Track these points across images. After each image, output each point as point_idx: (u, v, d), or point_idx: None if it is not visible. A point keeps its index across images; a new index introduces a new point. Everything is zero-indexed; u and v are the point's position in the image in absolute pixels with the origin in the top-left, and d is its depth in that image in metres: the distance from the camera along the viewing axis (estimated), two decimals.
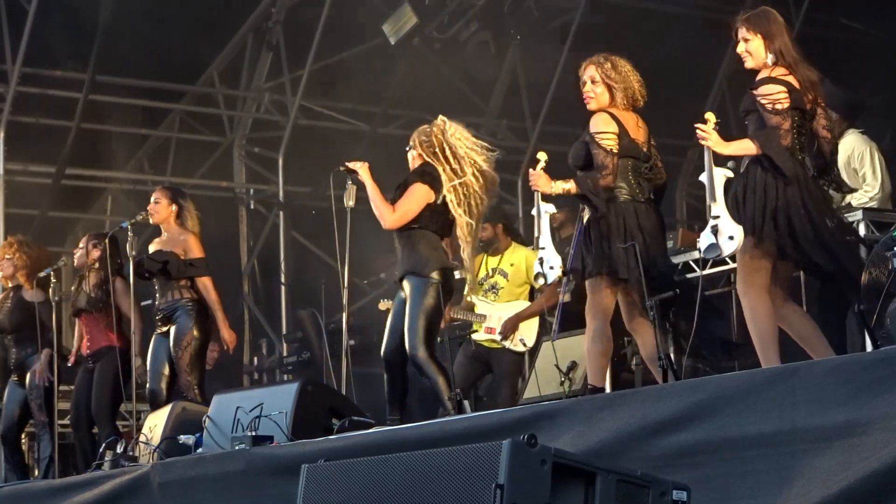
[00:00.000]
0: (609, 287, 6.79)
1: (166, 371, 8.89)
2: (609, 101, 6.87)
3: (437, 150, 7.49)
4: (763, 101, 6.17)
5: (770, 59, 6.25)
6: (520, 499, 3.90)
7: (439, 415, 7.69)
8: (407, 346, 7.33)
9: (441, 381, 7.31)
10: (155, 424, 7.99)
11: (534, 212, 7.03)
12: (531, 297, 9.41)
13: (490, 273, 9.42)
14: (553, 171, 7.02)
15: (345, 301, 7.75)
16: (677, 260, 8.27)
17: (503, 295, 9.34)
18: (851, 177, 7.99)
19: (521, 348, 9.28)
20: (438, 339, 7.65)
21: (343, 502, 4.35)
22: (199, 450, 7.36)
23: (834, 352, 6.22)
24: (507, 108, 15.01)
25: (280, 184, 14.51)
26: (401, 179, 7.69)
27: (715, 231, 6.20)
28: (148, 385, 9.00)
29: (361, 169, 7.63)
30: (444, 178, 7.44)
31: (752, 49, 6.30)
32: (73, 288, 9.88)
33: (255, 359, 14.69)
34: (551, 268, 6.89)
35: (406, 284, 7.42)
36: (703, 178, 6.37)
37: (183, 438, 7.54)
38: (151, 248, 9.08)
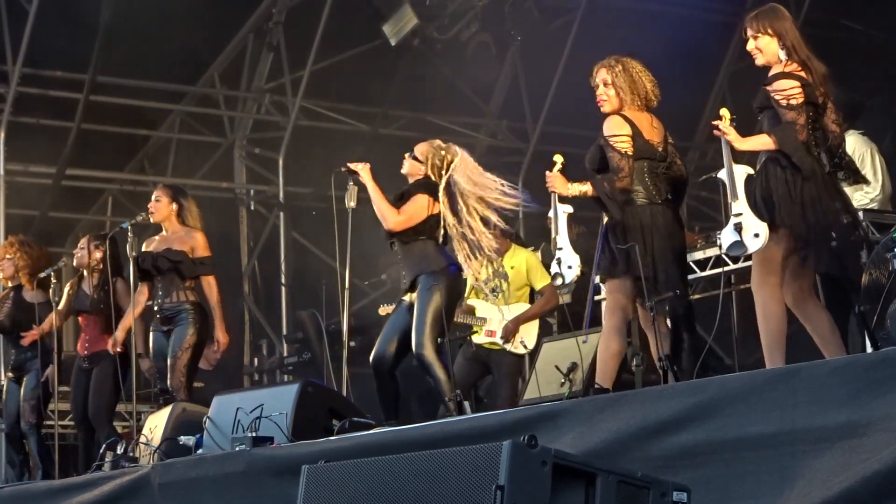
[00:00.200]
0: (627, 288, 6.77)
1: None
2: (621, 104, 6.84)
3: (443, 166, 7.50)
4: (777, 97, 6.18)
5: (783, 54, 6.26)
6: (520, 500, 3.90)
7: (440, 415, 7.69)
8: (413, 344, 7.34)
9: (445, 381, 7.32)
10: (155, 425, 7.98)
11: (550, 213, 7.00)
12: (531, 299, 9.41)
13: (490, 276, 9.41)
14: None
15: (345, 302, 7.74)
16: None
17: (503, 297, 9.34)
18: None
19: (521, 350, 9.28)
20: (438, 340, 7.64)
21: (344, 503, 4.35)
22: (200, 451, 7.36)
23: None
24: (508, 109, 15.02)
25: (280, 184, 14.51)
26: (401, 180, 7.69)
27: (738, 229, 6.16)
28: (159, 385, 9.00)
29: (363, 170, 7.62)
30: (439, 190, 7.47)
31: (762, 46, 6.31)
32: (67, 288, 9.84)
33: (256, 360, 14.70)
34: (569, 267, 6.87)
35: (416, 287, 7.40)
36: (723, 175, 6.34)
37: (183, 439, 7.54)
38: (152, 245, 9.04)
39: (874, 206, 8.10)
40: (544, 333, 9.54)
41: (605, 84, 6.86)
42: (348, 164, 7.70)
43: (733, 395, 4.83)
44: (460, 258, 7.48)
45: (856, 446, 4.36)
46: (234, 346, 13.10)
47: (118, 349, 9.22)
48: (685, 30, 13.02)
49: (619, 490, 4.13)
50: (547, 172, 6.96)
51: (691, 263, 8.46)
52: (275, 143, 14.55)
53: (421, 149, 7.64)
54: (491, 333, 9.26)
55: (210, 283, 8.95)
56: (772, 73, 6.29)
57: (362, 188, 7.66)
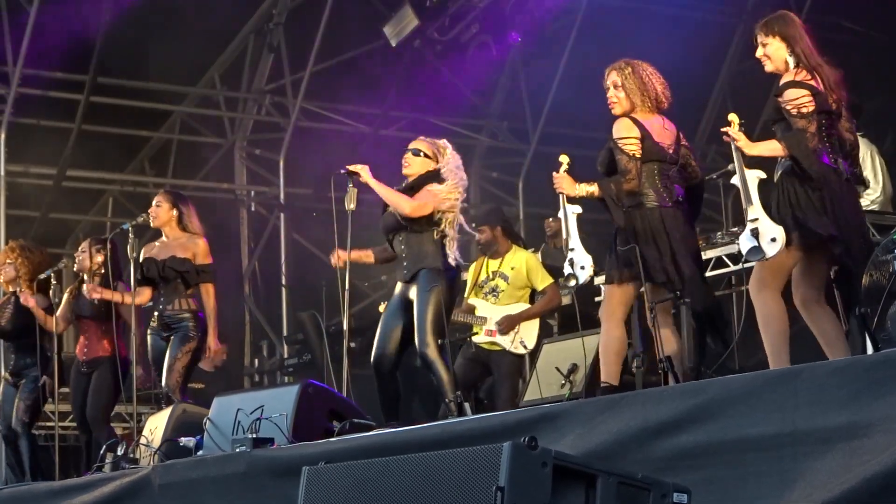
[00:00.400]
0: (627, 292, 6.78)
1: None
2: (631, 106, 6.84)
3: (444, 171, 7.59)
4: (788, 107, 6.17)
5: (792, 62, 6.25)
6: (520, 501, 3.90)
7: (440, 416, 7.70)
8: (417, 344, 7.36)
9: (447, 380, 7.34)
10: (155, 427, 7.98)
11: (560, 214, 6.99)
12: (531, 299, 9.40)
13: (490, 276, 9.42)
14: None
15: (345, 303, 7.75)
16: None
17: (504, 297, 9.34)
18: None
19: (521, 351, 9.28)
20: (439, 340, 7.66)
21: None
22: (200, 452, 7.36)
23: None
24: (508, 110, 15.03)
25: (281, 186, 14.53)
26: (402, 181, 7.71)
27: (755, 234, 6.15)
28: (164, 386, 9.01)
29: (363, 170, 7.63)
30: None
31: (771, 53, 6.30)
32: (67, 294, 9.82)
33: (256, 361, 14.71)
34: (582, 268, 6.85)
35: (415, 284, 7.43)
36: (736, 181, 6.33)
37: (183, 440, 7.53)
38: (153, 251, 9.04)
39: (875, 207, 8.11)
40: (545, 334, 9.54)
41: (616, 86, 6.85)
42: (347, 167, 7.71)
43: (734, 396, 4.83)
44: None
45: (856, 448, 4.35)
46: (234, 348, 13.15)
47: (95, 295, 9.22)
48: (685, 30, 13.02)
49: (619, 491, 4.13)
50: (554, 173, 6.93)
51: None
52: (275, 144, 14.56)
53: (423, 146, 7.69)
54: (491, 333, 9.26)
55: (208, 291, 8.96)
56: (781, 82, 6.27)
57: (362, 190, 7.67)
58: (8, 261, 10.02)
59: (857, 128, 7.97)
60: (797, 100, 6.15)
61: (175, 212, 9.04)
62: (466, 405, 7.34)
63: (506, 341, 9.24)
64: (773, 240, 6.14)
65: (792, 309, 6.35)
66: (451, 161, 7.65)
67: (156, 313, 8.97)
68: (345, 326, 7.90)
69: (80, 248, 9.77)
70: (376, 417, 7.41)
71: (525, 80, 14.76)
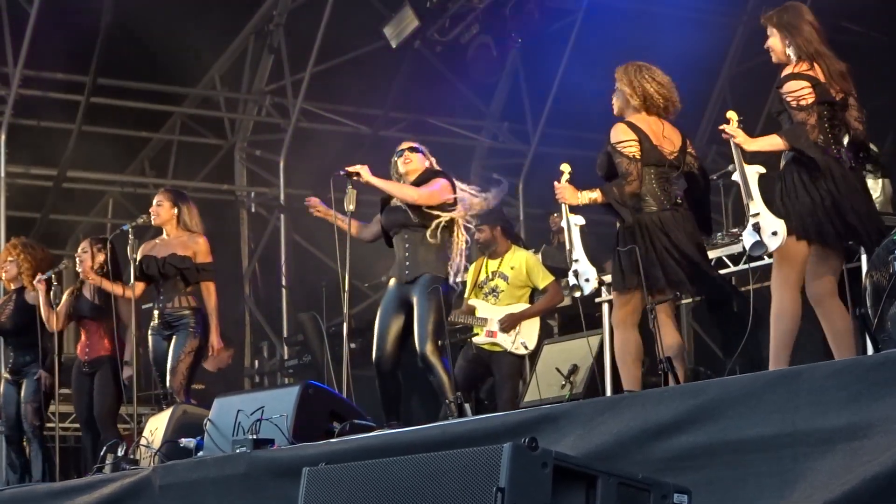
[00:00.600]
0: (636, 299, 6.78)
1: None
2: (626, 108, 6.85)
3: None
4: (788, 99, 6.20)
5: (792, 53, 6.27)
6: (521, 502, 3.90)
7: (441, 417, 7.70)
8: (417, 345, 7.39)
9: (447, 381, 7.35)
10: (156, 428, 7.98)
11: (562, 223, 6.99)
12: (531, 300, 9.40)
13: (490, 276, 9.42)
14: (555, 172, 7.01)
15: (346, 304, 7.75)
16: None
17: (503, 298, 9.33)
18: None
19: (522, 351, 9.28)
20: (440, 341, 7.67)
21: None
22: (200, 453, 7.36)
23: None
24: (509, 111, 15.04)
25: (281, 186, 14.52)
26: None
27: (757, 229, 6.18)
28: (161, 389, 9.00)
29: (363, 170, 7.65)
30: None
31: (772, 44, 6.34)
32: (67, 294, 9.82)
33: (256, 362, 14.71)
34: (587, 280, 6.85)
35: (415, 287, 7.45)
36: (736, 177, 6.36)
37: (184, 442, 7.54)
38: (153, 249, 9.04)
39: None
40: (545, 335, 9.54)
41: (618, 88, 6.89)
42: (347, 168, 7.72)
43: (734, 397, 4.83)
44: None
45: (857, 448, 4.35)
46: (235, 349, 13.14)
47: (93, 280, 9.25)
48: (686, 32, 13.01)
49: (619, 492, 4.13)
50: (555, 183, 6.92)
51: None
52: (275, 145, 14.56)
53: (415, 145, 7.77)
54: (492, 334, 9.25)
55: (209, 289, 8.96)
56: (782, 74, 6.30)
57: (361, 191, 7.68)
58: (9, 258, 10.02)
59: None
60: (796, 91, 6.18)
61: (176, 210, 9.04)
62: (467, 406, 7.35)
63: (507, 342, 9.24)
64: (775, 233, 6.16)
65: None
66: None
67: (156, 312, 8.97)
68: (345, 327, 7.91)
69: (80, 249, 9.75)
70: (376, 418, 7.41)
71: (525, 81, 14.76)
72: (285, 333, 14.25)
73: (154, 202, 9.12)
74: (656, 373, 6.70)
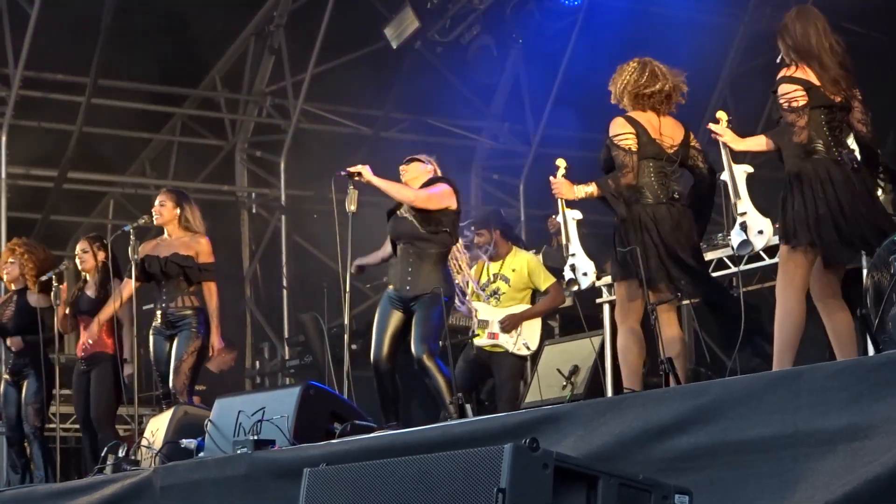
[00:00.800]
0: (635, 288, 6.80)
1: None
2: (626, 104, 6.89)
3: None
4: (781, 101, 6.25)
5: (790, 56, 6.30)
6: (521, 502, 3.90)
7: (441, 418, 7.70)
8: (413, 349, 7.38)
9: (444, 385, 7.34)
10: (157, 428, 7.98)
11: (559, 218, 7.01)
12: (533, 301, 9.40)
13: (492, 278, 9.42)
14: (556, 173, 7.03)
15: (347, 305, 7.75)
16: None
17: (505, 300, 9.34)
18: None
19: (524, 352, 9.28)
20: (440, 343, 7.67)
21: None
22: (201, 454, 7.36)
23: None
24: (510, 112, 15.03)
25: (282, 187, 14.53)
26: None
27: (744, 227, 6.24)
28: (161, 389, 9.00)
29: (364, 170, 7.64)
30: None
31: (779, 45, 6.38)
32: (73, 290, 9.84)
33: (257, 362, 14.70)
34: (584, 274, 6.87)
35: (416, 303, 7.47)
36: (724, 176, 6.40)
37: (185, 442, 7.54)
38: (154, 249, 9.04)
39: None
40: (546, 336, 9.54)
41: (615, 83, 6.92)
42: (348, 168, 7.71)
43: (735, 398, 4.83)
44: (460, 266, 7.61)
45: (858, 449, 4.35)
46: (237, 351, 13.15)
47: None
48: (686, 32, 13.02)
49: (620, 493, 4.13)
50: (551, 178, 6.95)
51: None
52: (276, 146, 14.57)
53: (423, 157, 7.78)
54: (493, 335, 9.26)
55: (211, 289, 8.96)
56: (777, 77, 6.33)
57: (362, 191, 7.68)
58: (10, 260, 10.02)
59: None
60: (789, 94, 6.23)
61: (178, 211, 9.05)
62: (468, 407, 7.34)
63: (508, 342, 9.25)
64: (760, 232, 6.27)
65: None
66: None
67: (158, 312, 8.96)
68: (346, 328, 7.91)
69: (80, 249, 9.74)
70: (377, 419, 7.41)
71: (526, 82, 14.76)
72: (286, 334, 14.26)
73: (157, 202, 9.12)
74: (657, 373, 6.71)
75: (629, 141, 6.76)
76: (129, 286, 9.05)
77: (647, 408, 5.09)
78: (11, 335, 10.02)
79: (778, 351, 6.20)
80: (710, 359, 9.24)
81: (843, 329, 6.27)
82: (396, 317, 7.56)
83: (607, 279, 8.19)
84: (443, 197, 7.56)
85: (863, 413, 4.41)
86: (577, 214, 6.93)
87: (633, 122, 6.81)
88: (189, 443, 7.51)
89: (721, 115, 6.44)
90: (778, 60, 6.43)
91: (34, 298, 9.85)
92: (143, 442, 8.02)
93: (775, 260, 6.69)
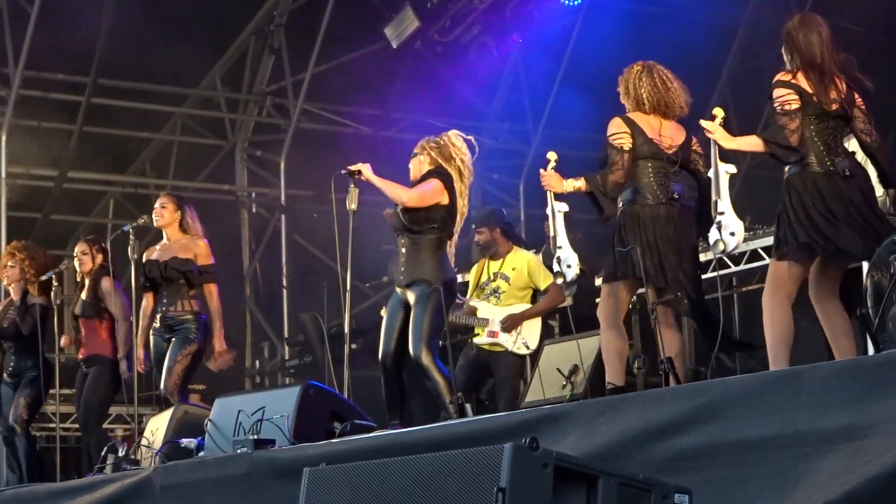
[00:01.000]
0: (625, 289, 6.83)
1: None
2: (629, 105, 6.95)
3: (449, 154, 7.60)
4: (775, 105, 6.26)
5: (794, 63, 6.30)
6: (521, 502, 3.90)
7: (441, 418, 7.70)
8: (411, 349, 7.38)
9: (443, 385, 7.34)
10: (157, 428, 7.99)
11: (547, 211, 7.06)
12: (533, 301, 9.40)
13: (492, 277, 9.42)
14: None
15: (347, 304, 7.75)
16: None
17: (505, 299, 9.34)
18: None
19: (524, 351, 9.28)
20: (440, 342, 7.67)
21: None
22: (201, 453, 7.36)
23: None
24: (510, 111, 15.03)
25: (282, 187, 14.53)
26: (403, 182, 7.72)
27: (720, 227, 6.28)
28: (162, 388, 9.00)
29: (364, 168, 7.65)
30: (455, 180, 7.55)
31: (783, 53, 6.41)
32: (76, 293, 9.85)
33: (257, 362, 14.71)
34: (569, 266, 6.93)
35: (414, 290, 7.47)
36: (711, 173, 6.43)
37: (185, 442, 7.54)
38: (154, 254, 9.05)
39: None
40: (546, 336, 9.54)
41: (622, 85, 6.97)
42: (349, 167, 7.72)
43: (735, 397, 4.83)
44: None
45: (858, 449, 4.35)
46: (237, 351, 13.15)
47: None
48: (687, 32, 13.02)
49: (620, 492, 4.12)
50: (541, 171, 7.04)
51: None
52: (276, 146, 14.57)
53: (419, 145, 7.76)
54: (493, 334, 9.25)
55: (211, 292, 8.97)
56: (772, 81, 6.36)
57: (363, 190, 7.68)
58: (10, 263, 10.01)
59: None
60: (781, 98, 6.25)
61: (179, 213, 9.06)
62: (468, 406, 7.34)
63: (508, 342, 9.24)
64: (732, 234, 6.33)
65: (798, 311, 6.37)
66: (457, 154, 7.67)
67: (158, 315, 8.97)
68: (346, 328, 7.91)
69: (79, 250, 9.73)
70: (377, 418, 7.41)
71: (526, 82, 14.76)
72: (286, 334, 14.26)
73: (157, 204, 9.13)
74: (657, 373, 6.71)
75: (622, 140, 6.82)
76: (148, 297, 9.06)
77: (646, 407, 5.09)
78: (11, 338, 10.00)
79: (771, 351, 6.21)
80: (709, 358, 9.24)
81: (841, 330, 6.28)
82: (403, 315, 7.57)
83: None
84: (433, 194, 7.55)
85: (863, 413, 4.41)
86: (565, 207, 7.02)
87: (629, 122, 6.87)
88: (189, 442, 7.51)
89: (717, 111, 6.49)
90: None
91: (35, 300, 9.84)
92: (143, 441, 8.03)
93: None
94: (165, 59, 13.30)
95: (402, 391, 7.58)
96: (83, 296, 9.65)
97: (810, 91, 6.23)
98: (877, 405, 4.39)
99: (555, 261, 7.00)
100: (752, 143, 6.36)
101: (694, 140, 6.96)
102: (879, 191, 8.08)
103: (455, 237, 7.73)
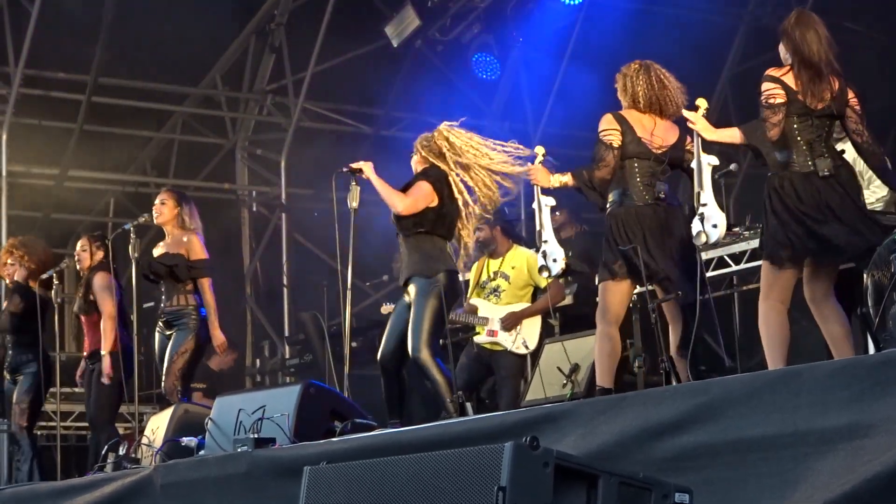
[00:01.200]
0: (618, 289, 6.82)
1: None
2: (624, 103, 6.98)
3: (439, 151, 7.57)
4: (761, 98, 6.28)
5: (787, 58, 6.31)
6: (522, 501, 3.90)
7: (441, 417, 7.70)
8: (410, 347, 7.37)
9: (443, 384, 7.33)
10: (157, 426, 7.99)
11: (534, 205, 7.09)
12: (534, 299, 9.40)
13: (492, 276, 9.42)
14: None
15: (347, 303, 7.75)
16: None
17: (505, 297, 9.34)
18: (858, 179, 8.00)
19: (522, 350, 9.28)
20: (441, 341, 7.67)
21: None
22: (202, 452, 7.36)
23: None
24: (510, 111, 15.03)
25: (282, 186, 14.54)
26: (404, 181, 7.72)
27: (702, 218, 6.30)
28: (162, 388, 9.00)
29: (366, 167, 7.65)
30: (449, 175, 7.52)
31: (780, 50, 6.43)
32: (77, 293, 9.85)
33: (258, 361, 14.72)
34: (554, 261, 6.96)
35: (411, 287, 7.47)
36: (694, 164, 6.47)
37: (185, 440, 7.54)
38: (155, 251, 9.07)
39: (879, 206, 8.11)
40: (546, 335, 9.54)
41: (618, 83, 6.98)
42: (350, 165, 7.72)
43: (735, 397, 4.83)
44: (464, 245, 7.59)
45: (858, 448, 4.35)
46: (238, 352, 13.15)
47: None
48: (687, 31, 13.03)
49: (620, 491, 4.12)
50: (528, 165, 7.07)
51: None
52: (277, 145, 14.57)
53: (414, 145, 7.74)
54: (493, 333, 9.26)
55: (204, 286, 8.92)
56: (763, 75, 6.39)
57: (365, 188, 7.68)
58: (9, 261, 10.01)
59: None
60: (767, 91, 6.27)
61: (178, 210, 9.05)
62: (468, 405, 7.34)
63: (507, 341, 9.25)
64: (715, 226, 6.34)
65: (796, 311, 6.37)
66: (448, 145, 7.62)
67: (159, 312, 8.98)
68: (346, 326, 7.91)
69: (80, 247, 9.74)
70: (378, 417, 7.41)
71: (526, 81, 14.76)
72: (287, 332, 14.26)
73: (157, 200, 9.13)
74: (657, 372, 6.71)
75: (612, 137, 6.86)
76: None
77: (647, 407, 5.09)
78: (11, 332, 9.99)
79: (768, 351, 6.22)
80: (710, 358, 9.24)
81: (838, 331, 6.26)
82: (404, 316, 7.56)
83: None
84: (424, 198, 7.52)
85: (863, 412, 4.40)
86: (551, 201, 7.07)
87: (620, 119, 6.90)
88: (189, 441, 7.51)
89: (701, 102, 6.52)
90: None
91: (36, 290, 9.83)
92: (144, 440, 8.03)
93: None
94: (166, 58, 13.31)
95: (402, 391, 7.58)
96: (80, 293, 9.66)
97: (796, 89, 6.24)
98: (877, 404, 4.39)
99: (540, 255, 7.04)
100: (732, 136, 6.39)
101: (688, 140, 6.95)
102: (884, 190, 8.11)
103: (467, 231, 7.67)
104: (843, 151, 6.51)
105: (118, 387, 9.32)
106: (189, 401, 8.49)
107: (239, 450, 6.74)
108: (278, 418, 6.89)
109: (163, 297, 8.98)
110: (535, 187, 7.07)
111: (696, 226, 6.37)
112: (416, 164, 7.73)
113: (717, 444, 4.80)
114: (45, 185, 13.74)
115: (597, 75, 7.27)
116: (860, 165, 8.05)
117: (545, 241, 7.01)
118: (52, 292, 9.64)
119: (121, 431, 10.18)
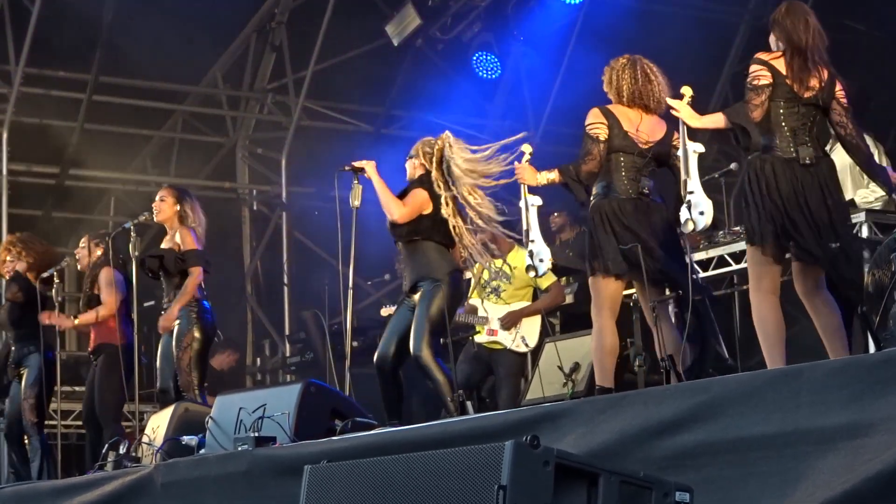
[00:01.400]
0: (612, 285, 6.80)
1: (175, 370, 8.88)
2: (611, 97, 6.97)
3: (440, 161, 7.55)
4: (747, 80, 6.28)
5: (779, 46, 6.30)
6: (522, 500, 3.90)
7: (441, 416, 7.70)
8: (411, 346, 7.36)
9: (444, 383, 7.33)
10: (158, 425, 7.99)
11: (521, 204, 7.07)
12: (534, 299, 9.40)
13: (493, 276, 9.41)
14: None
15: (348, 302, 7.75)
16: None
17: (506, 297, 9.34)
18: (857, 178, 7.99)
19: (522, 349, 9.28)
20: (441, 340, 7.66)
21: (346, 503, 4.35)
22: (202, 451, 7.36)
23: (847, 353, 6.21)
24: (510, 110, 15.02)
25: (283, 184, 14.54)
26: (404, 179, 7.72)
27: (689, 206, 6.29)
28: (158, 385, 8.98)
29: (368, 165, 7.65)
30: (438, 186, 7.50)
31: (770, 40, 6.42)
32: (84, 288, 9.86)
33: (258, 359, 14.71)
34: (541, 260, 6.93)
35: (416, 293, 7.45)
36: (680, 153, 6.45)
37: (186, 439, 7.54)
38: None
39: (878, 205, 8.11)
40: (546, 333, 9.54)
41: (604, 76, 6.97)
42: (353, 163, 7.72)
43: (735, 395, 4.83)
44: (464, 253, 7.55)
45: (858, 447, 4.35)
46: (239, 354, 13.16)
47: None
48: (688, 30, 13.02)
49: (621, 490, 4.13)
50: (515, 163, 7.07)
51: (694, 265, 8.43)
52: (277, 143, 14.57)
53: (415, 147, 7.72)
54: (492, 332, 9.26)
55: (193, 273, 8.79)
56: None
57: (367, 187, 7.67)
58: (8, 258, 10.01)
59: (865, 124, 7.95)
60: (753, 73, 6.28)
61: (178, 207, 9.02)
62: (468, 404, 7.34)
63: (507, 339, 9.25)
64: (702, 213, 6.30)
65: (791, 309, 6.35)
66: (445, 160, 7.60)
67: (162, 308, 8.98)
68: (347, 325, 7.90)
69: (80, 246, 9.75)
70: (378, 416, 7.41)
71: (527, 79, 14.75)
72: (287, 331, 14.26)
73: (157, 198, 9.11)
74: (658, 371, 6.70)
75: (598, 130, 6.85)
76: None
77: (647, 405, 5.10)
78: (10, 327, 9.98)
79: (766, 350, 6.18)
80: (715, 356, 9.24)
81: (830, 323, 6.20)
82: (404, 318, 7.55)
83: None
84: (421, 205, 7.51)
85: (863, 411, 4.41)
86: (538, 200, 7.05)
87: (607, 113, 6.89)
88: (190, 439, 7.51)
89: (686, 90, 6.50)
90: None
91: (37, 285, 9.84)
92: (144, 439, 8.03)
93: None
94: (166, 57, 13.31)
95: (400, 393, 7.58)
96: (86, 289, 9.65)
97: (785, 74, 6.21)
98: (877, 403, 4.39)
99: (527, 254, 7.00)
100: (717, 121, 6.37)
101: (675, 135, 6.92)
102: (880, 193, 8.11)
103: (465, 237, 7.65)
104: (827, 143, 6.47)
105: (121, 381, 9.31)
106: (205, 403, 8.39)
107: (239, 448, 6.75)
108: (279, 417, 6.89)
109: (164, 293, 8.97)
110: (522, 186, 7.05)
111: (683, 213, 6.34)
112: (413, 169, 7.70)
113: (718, 442, 4.80)
114: (46, 183, 13.74)
115: (597, 74, 7.23)
116: None
117: (532, 241, 6.98)
118: (53, 291, 9.64)
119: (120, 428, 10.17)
